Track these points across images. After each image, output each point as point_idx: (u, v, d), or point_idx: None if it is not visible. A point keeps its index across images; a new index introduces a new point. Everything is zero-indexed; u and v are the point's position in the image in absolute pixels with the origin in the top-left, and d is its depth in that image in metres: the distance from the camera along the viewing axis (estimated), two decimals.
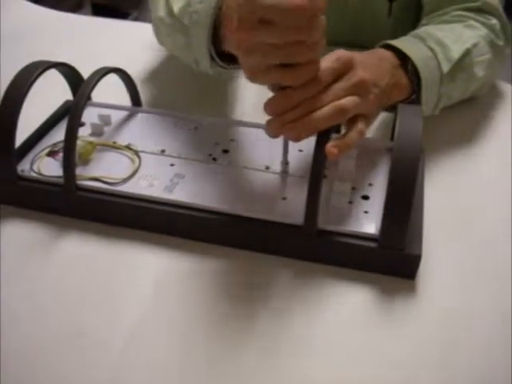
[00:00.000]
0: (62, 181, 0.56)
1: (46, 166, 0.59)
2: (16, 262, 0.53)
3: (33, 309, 0.49)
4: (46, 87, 0.61)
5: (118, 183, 0.57)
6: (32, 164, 0.60)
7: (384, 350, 0.46)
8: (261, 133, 0.63)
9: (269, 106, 0.50)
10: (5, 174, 0.58)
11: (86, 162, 0.60)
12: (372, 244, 0.51)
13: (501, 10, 0.72)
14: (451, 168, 0.64)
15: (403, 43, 0.63)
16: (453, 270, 0.52)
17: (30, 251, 0.54)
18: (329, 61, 0.51)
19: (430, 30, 0.68)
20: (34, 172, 0.59)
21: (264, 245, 0.53)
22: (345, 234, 0.52)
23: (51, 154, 0.61)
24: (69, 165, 0.55)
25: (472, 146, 0.68)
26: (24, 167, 0.59)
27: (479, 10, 0.71)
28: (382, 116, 0.67)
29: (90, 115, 0.66)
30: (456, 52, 0.64)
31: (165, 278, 0.52)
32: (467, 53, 0.65)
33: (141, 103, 0.70)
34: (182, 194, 0.55)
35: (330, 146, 0.49)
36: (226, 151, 0.61)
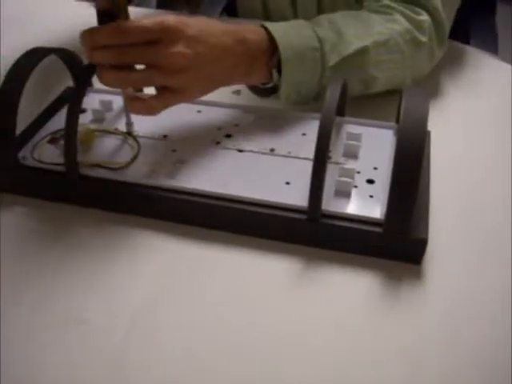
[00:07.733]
0: (63, 168, 0.56)
1: (46, 154, 0.59)
2: (16, 249, 0.53)
3: (33, 296, 0.49)
4: (46, 73, 0.61)
5: (119, 169, 0.56)
6: (33, 151, 0.59)
7: (389, 337, 0.45)
8: (264, 118, 0.63)
9: (83, 33, 0.53)
10: (5, 162, 0.57)
11: (87, 148, 0.59)
12: (377, 229, 0.50)
13: (440, 9, 0.67)
14: (458, 150, 0.63)
15: (281, 27, 0.60)
16: (460, 254, 0.52)
17: (31, 239, 0.54)
18: (150, 21, 0.51)
19: (338, 17, 0.64)
20: (35, 159, 0.58)
21: (268, 230, 0.53)
22: (349, 219, 0.51)
23: (52, 141, 0.61)
24: (70, 152, 0.55)
25: (478, 128, 0.67)
26: (25, 154, 0.59)
27: (415, 4, 0.67)
28: (387, 98, 0.66)
29: (91, 101, 0.65)
30: (350, 47, 0.61)
31: (168, 264, 0.51)
32: (363, 51, 0.62)
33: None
34: (184, 180, 0.55)
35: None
36: (229, 136, 0.61)
